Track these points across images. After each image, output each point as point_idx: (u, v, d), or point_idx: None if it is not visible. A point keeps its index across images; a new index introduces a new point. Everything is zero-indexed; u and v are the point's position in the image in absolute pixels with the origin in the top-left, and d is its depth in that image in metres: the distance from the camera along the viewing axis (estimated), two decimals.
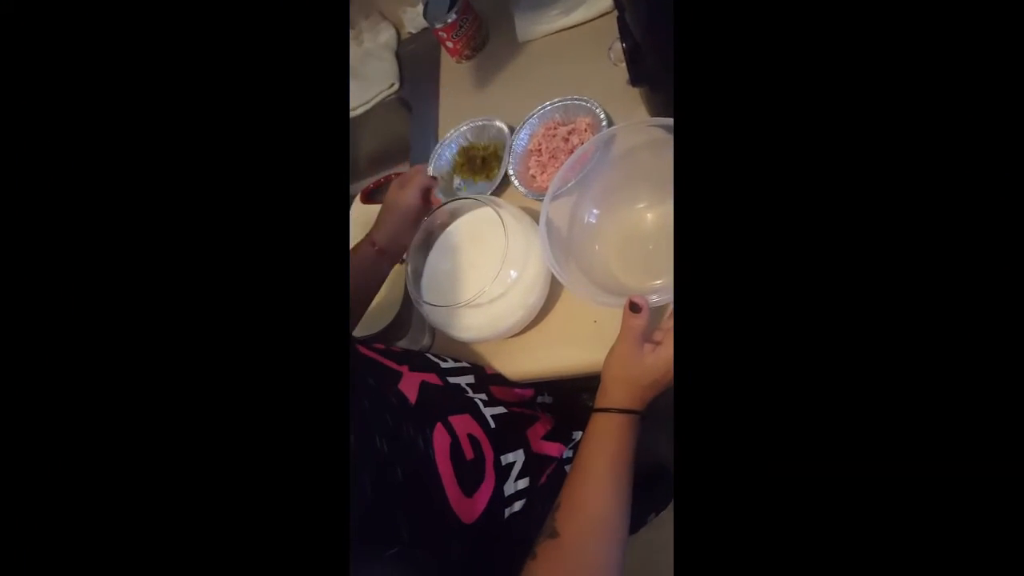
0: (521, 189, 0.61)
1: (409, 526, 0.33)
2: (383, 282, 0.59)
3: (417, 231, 0.57)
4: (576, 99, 0.62)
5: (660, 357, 0.42)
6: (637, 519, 0.61)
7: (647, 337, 0.45)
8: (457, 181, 0.68)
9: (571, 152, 0.60)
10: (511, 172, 0.62)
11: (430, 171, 0.68)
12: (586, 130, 0.61)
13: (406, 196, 0.56)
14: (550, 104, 0.63)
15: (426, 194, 0.58)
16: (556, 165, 0.61)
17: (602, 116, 0.59)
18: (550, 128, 0.63)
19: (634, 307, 0.42)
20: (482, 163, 0.67)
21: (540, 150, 0.63)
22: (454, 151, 0.69)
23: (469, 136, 0.69)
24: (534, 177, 0.63)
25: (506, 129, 0.65)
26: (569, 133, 0.62)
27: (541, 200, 0.51)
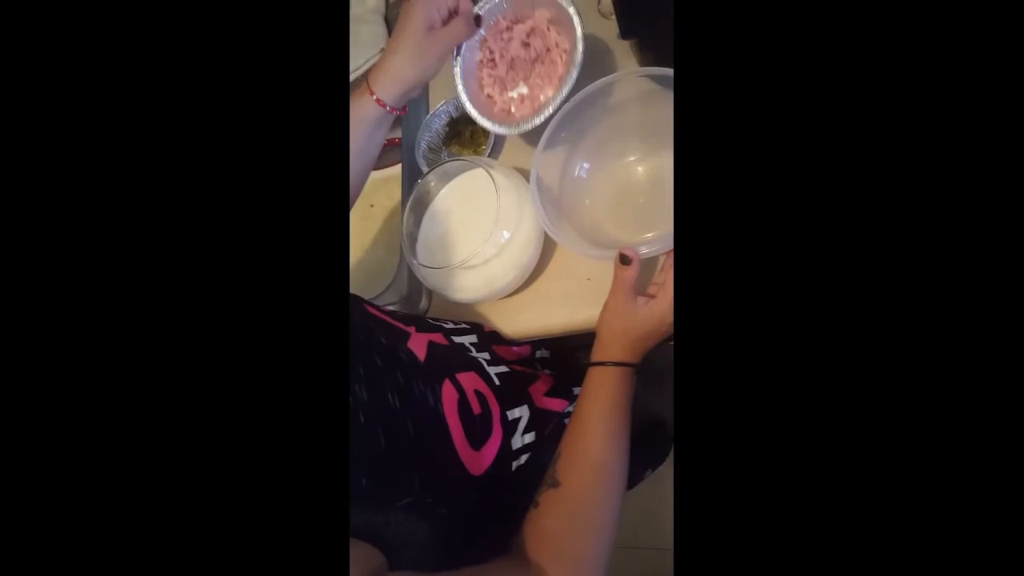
0: (480, 119, 0.49)
1: (420, 477, 0.34)
2: (383, 142, 0.49)
3: (434, 68, 0.45)
4: None
5: (654, 309, 0.43)
6: (635, 475, 0.63)
7: (640, 289, 0.45)
8: (445, 152, 0.68)
9: (535, 62, 0.48)
10: (462, 91, 0.50)
11: (422, 146, 0.66)
12: (549, 29, 0.48)
13: (419, 14, 0.43)
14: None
15: (454, 13, 0.45)
16: (518, 79, 0.49)
17: (569, 8, 0.46)
18: (499, 29, 0.50)
19: (624, 259, 0.43)
20: (471, 136, 0.66)
21: (493, 59, 0.50)
22: (444, 122, 0.68)
23: (453, 111, 0.67)
24: (491, 99, 0.50)
25: None
26: (528, 35, 0.48)
27: (510, 132, 0.46)
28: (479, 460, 0.40)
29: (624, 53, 0.57)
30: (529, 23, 0.49)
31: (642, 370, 0.45)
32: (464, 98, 0.50)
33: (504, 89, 0.50)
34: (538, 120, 0.47)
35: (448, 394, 0.40)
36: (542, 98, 0.49)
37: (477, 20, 0.47)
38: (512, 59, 0.49)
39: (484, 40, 0.50)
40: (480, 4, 0.48)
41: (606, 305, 0.45)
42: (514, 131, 0.49)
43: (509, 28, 0.49)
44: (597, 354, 0.45)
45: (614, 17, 0.51)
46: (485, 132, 0.61)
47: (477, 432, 0.41)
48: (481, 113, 0.49)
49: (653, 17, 0.49)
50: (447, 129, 0.68)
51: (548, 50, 0.48)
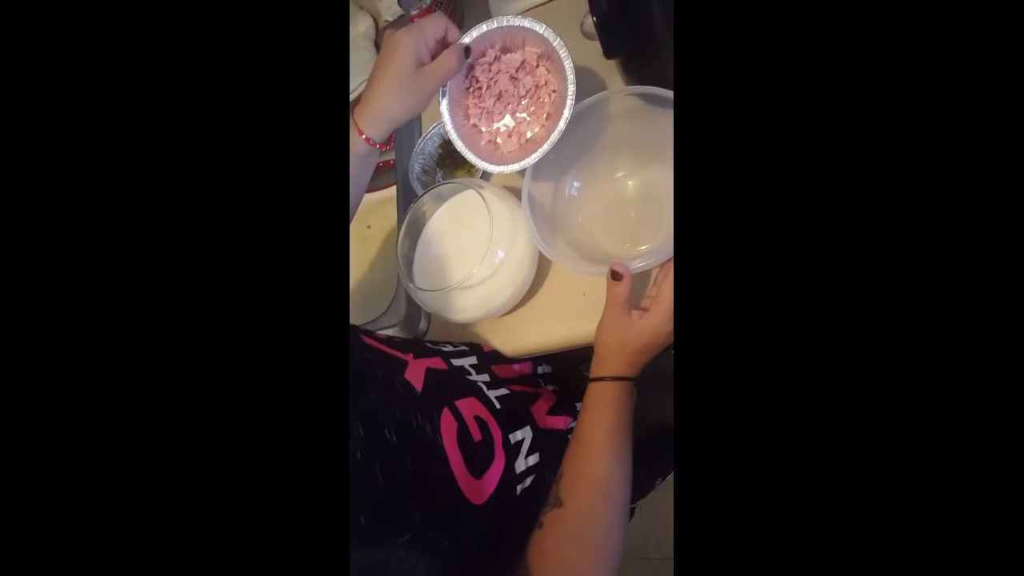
0: (468, 154, 0.47)
1: (421, 512, 0.34)
2: (371, 175, 0.48)
3: (424, 105, 0.43)
4: (522, 21, 0.46)
5: (648, 322, 0.43)
6: (645, 484, 0.63)
7: (633, 304, 0.46)
8: (439, 174, 0.68)
9: (523, 98, 0.48)
10: (449, 125, 0.48)
11: (416, 169, 0.65)
12: (539, 65, 0.48)
13: (406, 48, 0.42)
14: (486, 26, 0.46)
15: (441, 47, 0.44)
16: (504, 112, 0.48)
17: (557, 44, 0.45)
18: (488, 59, 0.48)
19: (615, 275, 0.43)
20: (464, 158, 0.65)
21: (481, 87, 0.48)
22: (437, 144, 0.69)
23: (445, 132, 0.66)
24: (477, 128, 0.49)
25: None
26: (517, 70, 0.48)
27: (500, 170, 0.45)
28: (481, 488, 0.40)
29: (607, 70, 0.58)
30: (519, 55, 0.48)
31: (642, 382, 0.46)
32: (450, 128, 0.48)
33: (491, 120, 0.49)
34: (529, 160, 0.46)
35: (447, 423, 0.40)
36: (528, 134, 0.49)
37: (466, 51, 0.46)
38: (500, 92, 0.48)
39: (471, 68, 0.48)
40: (468, 32, 0.46)
41: (601, 321, 0.46)
42: (504, 170, 0.47)
43: (497, 59, 0.48)
44: (595, 370, 0.46)
45: (596, 38, 0.52)
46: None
47: (478, 460, 0.41)
48: (467, 144, 0.48)
49: (636, 36, 0.50)
50: (440, 151, 0.69)
51: (537, 87, 0.48)
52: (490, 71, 0.48)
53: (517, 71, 0.48)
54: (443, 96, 0.48)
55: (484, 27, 0.46)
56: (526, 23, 0.46)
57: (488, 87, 0.48)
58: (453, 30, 0.45)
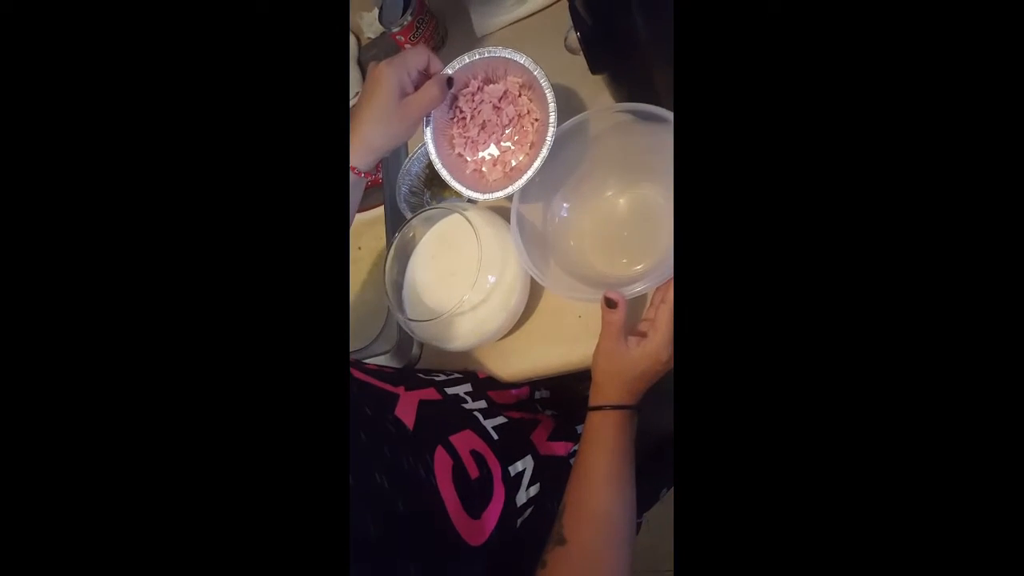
0: (453, 183, 0.47)
1: (415, 559, 0.33)
2: (359, 202, 0.48)
3: (408, 135, 0.43)
4: (503, 52, 0.46)
5: (646, 349, 0.42)
6: (651, 495, 0.62)
7: (630, 329, 0.45)
8: (427, 195, 0.67)
9: (506, 126, 0.49)
10: (434, 156, 0.48)
11: (403, 190, 0.64)
12: (521, 94, 0.49)
13: (390, 80, 0.42)
14: (468, 58, 0.47)
15: (423, 78, 0.44)
16: (488, 141, 0.49)
17: (537, 74, 0.46)
18: (472, 90, 0.49)
19: (609, 303, 0.42)
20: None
21: (465, 117, 0.49)
22: (423, 165, 0.68)
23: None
24: (462, 157, 0.49)
25: None
26: (500, 100, 0.49)
27: (485, 199, 0.46)
28: (480, 529, 0.39)
29: (594, 87, 0.57)
30: (501, 86, 0.49)
31: (642, 408, 0.44)
32: (435, 157, 0.48)
33: (476, 150, 0.50)
34: (515, 187, 0.46)
35: (441, 463, 0.39)
36: (513, 163, 0.49)
37: (449, 82, 0.46)
38: (484, 122, 0.49)
39: (455, 99, 0.49)
40: (451, 63, 0.47)
41: (597, 348, 0.44)
42: (489, 198, 0.47)
43: (480, 89, 0.49)
44: (594, 398, 0.44)
45: (580, 53, 0.51)
46: None
47: (476, 498, 0.40)
48: (452, 174, 0.49)
49: (621, 51, 0.49)
50: (427, 171, 0.68)
51: (519, 116, 0.49)
52: (473, 101, 0.49)
53: (500, 100, 0.48)
54: (427, 125, 0.48)
55: (466, 58, 0.47)
56: (507, 53, 0.46)
57: (472, 117, 0.49)
58: (435, 61, 0.45)
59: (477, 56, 0.47)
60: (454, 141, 0.50)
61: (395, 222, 0.66)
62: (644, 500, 0.58)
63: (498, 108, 0.48)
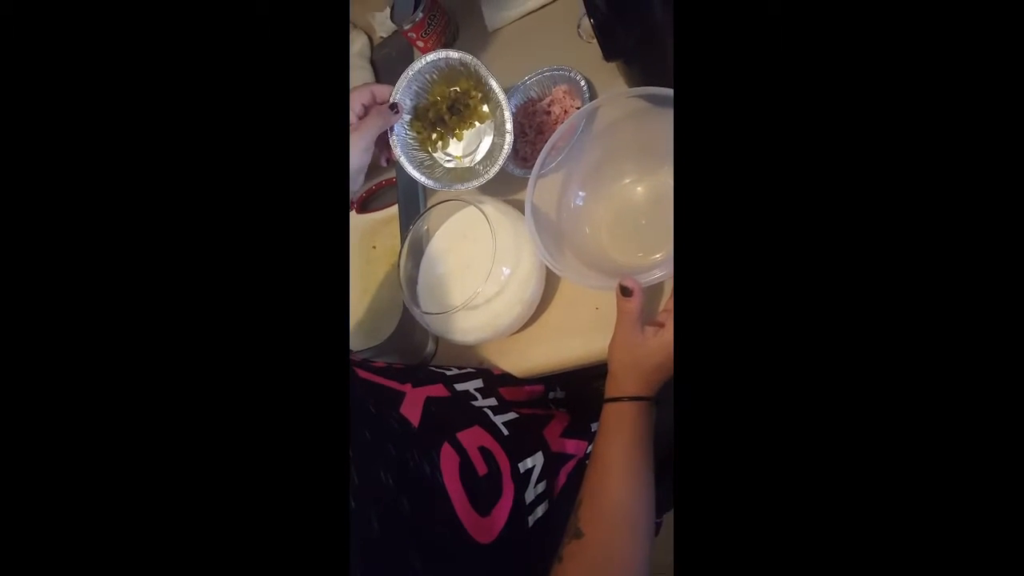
0: (516, 172, 0.57)
1: (421, 558, 0.32)
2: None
3: (362, 160, 0.48)
4: (548, 70, 0.59)
5: (664, 339, 0.41)
6: (666, 501, 0.60)
7: (647, 319, 0.43)
8: (439, 147, 0.57)
9: (556, 123, 0.58)
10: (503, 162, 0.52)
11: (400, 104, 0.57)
12: (564, 96, 0.59)
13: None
14: (521, 83, 0.60)
15: (372, 109, 0.50)
16: (544, 140, 0.58)
17: (579, 79, 0.56)
18: (528, 107, 0.61)
19: (625, 291, 0.41)
20: (466, 108, 0.54)
21: (524, 131, 0.60)
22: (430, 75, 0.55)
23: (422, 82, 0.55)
24: (525, 159, 0.60)
25: (464, 56, 0.52)
26: (549, 104, 0.59)
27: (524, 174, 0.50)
28: (489, 526, 0.38)
29: (610, 75, 0.56)
30: (549, 97, 0.60)
31: (660, 400, 0.43)
32: (503, 162, 0.53)
33: (533, 149, 0.59)
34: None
35: (447, 460, 0.38)
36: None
37: (394, 107, 0.51)
38: (538, 125, 0.59)
39: (516, 117, 0.60)
40: (509, 90, 0.58)
41: (613, 339, 0.43)
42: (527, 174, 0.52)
43: (532, 105, 0.61)
44: (610, 390, 0.43)
45: (594, 40, 0.50)
46: (482, 92, 0.55)
47: (484, 495, 0.39)
48: (516, 167, 0.58)
49: (634, 37, 0.48)
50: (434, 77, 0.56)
51: (565, 112, 0.58)
52: (531, 116, 0.61)
53: (549, 105, 0.60)
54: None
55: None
56: (557, 70, 0.60)
57: (531, 126, 0.60)
58: (382, 90, 0.51)
59: (531, 78, 0.60)
60: (517, 148, 0.59)
61: (409, 219, 0.66)
62: (661, 503, 0.57)
63: (548, 112, 0.59)
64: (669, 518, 0.63)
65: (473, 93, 0.54)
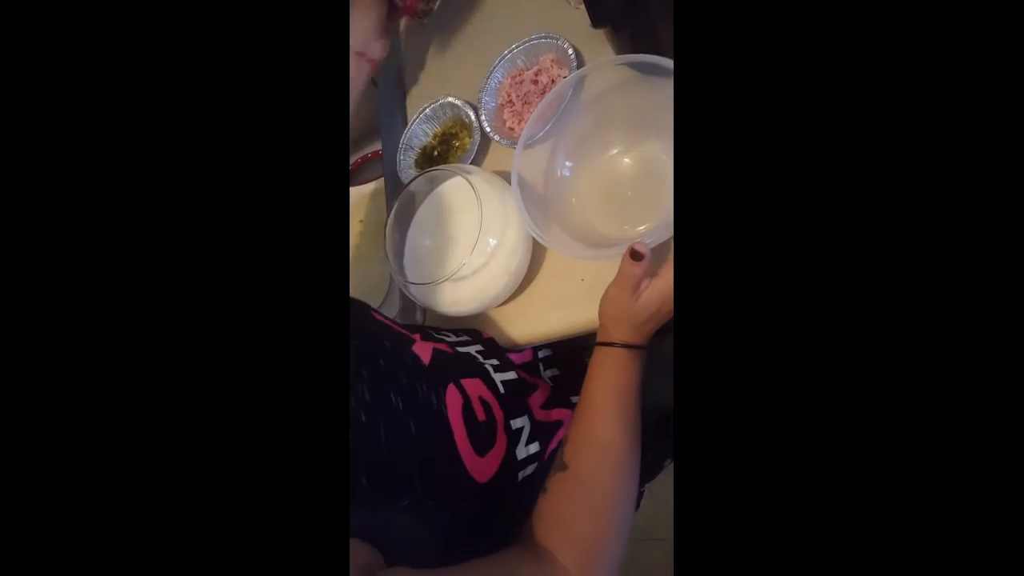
0: (503, 142, 0.58)
1: (422, 479, 0.33)
2: (361, 92, 0.58)
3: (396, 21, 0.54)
4: (536, 38, 0.58)
5: (655, 290, 0.41)
6: (654, 465, 0.62)
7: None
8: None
9: (543, 93, 0.58)
10: (489, 130, 0.59)
11: (404, 163, 0.65)
12: (552, 66, 0.58)
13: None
14: (508, 52, 0.59)
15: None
16: (531, 111, 0.58)
17: (567, 47, 0.56)
18: (515, 76, 0.60)
19: (636, 255, 0.40)
20: (455, 139, 0.65)
21: (511, 100, 0.60)
22: (426, 138, 0.67)
23: (428, 123, 0.66)
24: (512, 129, 0.60)
25: (458, 102, 0.63)
26: (536, 74, 0.59)
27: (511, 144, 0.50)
28: (484, 467, 0.39)
29: (598, 42, 0.55)
30: (536, 67, 0.60)
31: (649, 349, 0.44)
32: (490, 132, 0.59)
33: (520, 120, 0.59)
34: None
35: (452, 398, 0.39)
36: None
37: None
38: (525, 95, 0.59)
39: (501, 88, 0.61)
40: (494, 66, 0.60)
41: (606, 294, 0.43)
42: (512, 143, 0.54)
43: (520, 74, 0.60)
44: (601, 336, 0.44)
45: (583, 6, 0.49)
46: (465, 130, 0.64)
47: (482, 438, 0.40)
48: (502, 137, 0.59)
49: (623, 1, 0.47)
50: (431, 143, 0.67)
51: (552, 81, 0.58)
52: (518, 86, 0.61)
53: (536, 75, 0.59)
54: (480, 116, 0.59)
55: (507, 54, 0.60)
56: (544, 38, 0.59)
57: (517, 96, 0.60)
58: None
59: (518, 47, 0.59)
60: (505, 118, 0.59)
61: (394, 191, 0.65)
62: (647, 470, 0.58)
63: (535, 81, 0.58)
64: (653, 485, 0.65)
65: (461, 134, 0.64)
